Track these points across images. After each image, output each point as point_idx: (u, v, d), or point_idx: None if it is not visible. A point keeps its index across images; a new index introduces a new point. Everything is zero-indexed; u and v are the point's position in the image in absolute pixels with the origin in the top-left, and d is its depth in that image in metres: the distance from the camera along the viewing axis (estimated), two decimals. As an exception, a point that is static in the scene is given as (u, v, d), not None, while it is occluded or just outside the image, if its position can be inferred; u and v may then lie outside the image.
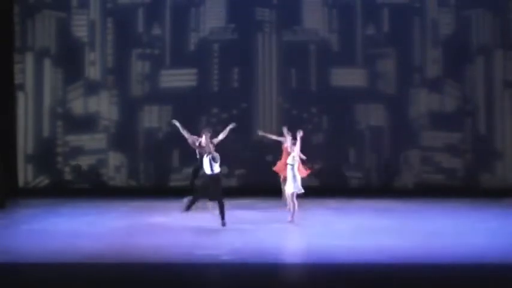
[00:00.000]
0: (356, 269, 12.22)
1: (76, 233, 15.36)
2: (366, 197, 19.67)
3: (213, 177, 15.72)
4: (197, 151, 17.30)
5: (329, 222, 16.45)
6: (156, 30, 20.55)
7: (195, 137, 17.50)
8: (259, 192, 19.63)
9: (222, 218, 15.78)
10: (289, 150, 16.98)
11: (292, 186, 16.33)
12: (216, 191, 15.72)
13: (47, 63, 20.55)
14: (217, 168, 15.70)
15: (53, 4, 20.56)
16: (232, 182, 20.08)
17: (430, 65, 20.53)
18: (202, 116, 20.33)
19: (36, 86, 20.55)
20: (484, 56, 20.46)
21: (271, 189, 19.81)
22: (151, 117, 20.56)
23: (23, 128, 20.51)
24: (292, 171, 16.38)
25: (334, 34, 20.56)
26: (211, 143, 16.11)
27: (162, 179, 20.49)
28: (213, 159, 15.61)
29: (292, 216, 16.33)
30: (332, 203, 19.02)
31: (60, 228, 15.90)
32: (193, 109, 20.31)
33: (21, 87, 20.54)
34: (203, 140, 16.39)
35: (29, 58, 20.53)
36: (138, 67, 20.61)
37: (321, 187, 20.27)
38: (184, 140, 17.74)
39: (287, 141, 17.48)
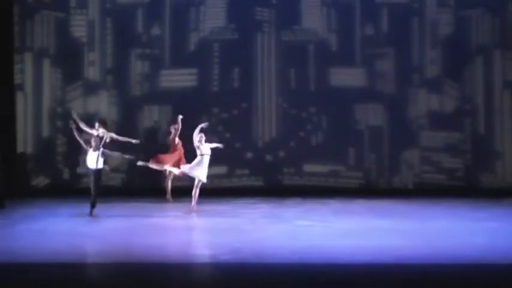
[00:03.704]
0: (356, 269, 12.21)
1: (76, 233, 15.33)
2: (365, 197, 19.67)
3: (97, 171, 16.62)
4: (86, 143, 17.15)
5: (329, 222, 16.44)
6: (156, 30, 20.55)
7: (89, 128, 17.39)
8: (260, 192, 19.65)
9: (91, 207, 16.71)
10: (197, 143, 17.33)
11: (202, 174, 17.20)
12: (95, 185, 16.61)
13: (46, 63, 20.55)
14: (101, 164, 16.68)
15: (52, 4, 20.56)
16: (233, 182, 20.07)
17: (429, 65, 20.54)
18: (202, 116, 20.32)
19: (36, 86, 20.55)
20: (483, 56, 20.47)
21: (273, 189, 19.88)
22: (151, 117, 20.56)
23: (22, 128, 20.51)
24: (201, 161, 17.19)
25: (333, 34, 20.58)
26: (102, 137, 16.75)
27: (162, 179, 20.46)
28: (103, 154, 16.57)
29: (194, 204, 17.22)
30: (332, 203, 19.01)
31: (60, 228, 15.87)
32: (193, 109, 20.29)
33: (21, 87, 20.54)
34: (100, 132, 16.86)
35: (28, 58, 20.53)
36: (138, 67, 20.61)
37: (321, 187, 20.29)
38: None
39: (177, 128, 18.52)
